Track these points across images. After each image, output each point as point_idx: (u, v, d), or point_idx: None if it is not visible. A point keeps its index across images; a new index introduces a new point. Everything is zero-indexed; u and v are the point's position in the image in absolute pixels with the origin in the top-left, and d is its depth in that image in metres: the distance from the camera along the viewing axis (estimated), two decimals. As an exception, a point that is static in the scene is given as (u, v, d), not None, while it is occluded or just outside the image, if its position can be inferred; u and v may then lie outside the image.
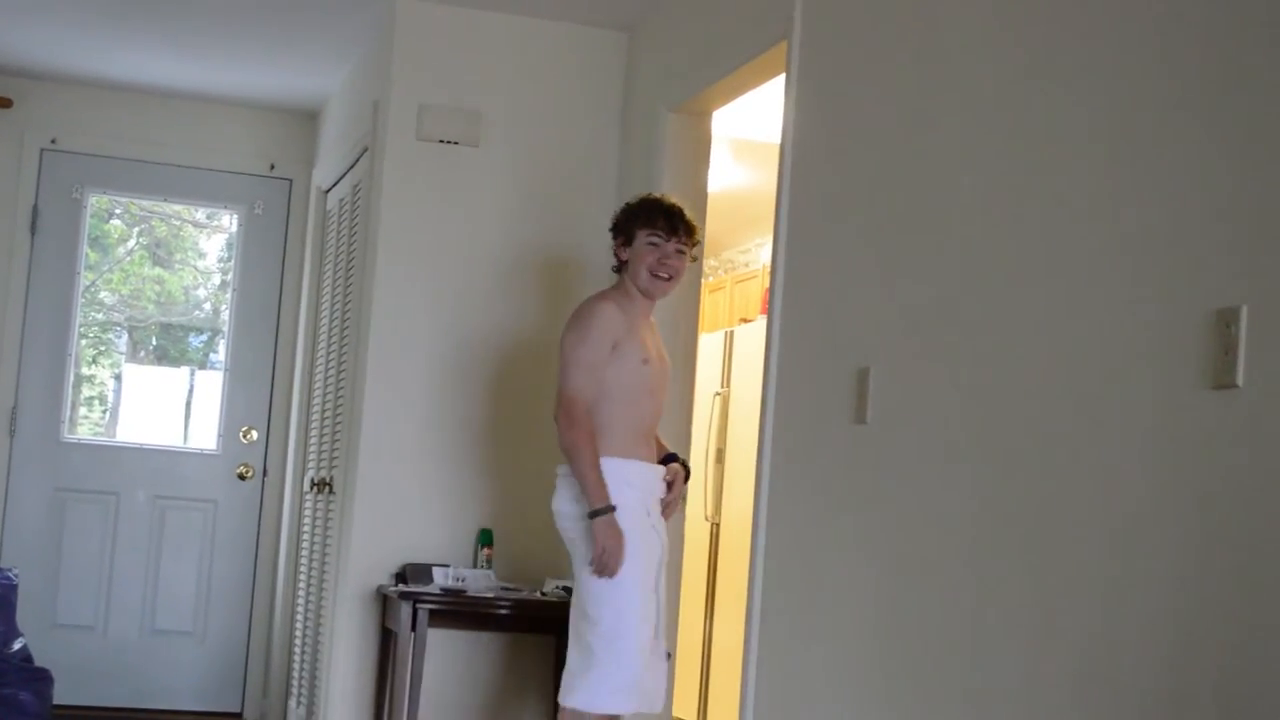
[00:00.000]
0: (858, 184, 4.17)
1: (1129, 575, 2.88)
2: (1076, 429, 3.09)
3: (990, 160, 3.52)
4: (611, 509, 4.64)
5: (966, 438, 3.49)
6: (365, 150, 6.40)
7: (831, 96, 4.39)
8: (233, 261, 8.06)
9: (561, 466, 4.82)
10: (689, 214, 4.91)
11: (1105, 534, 2.96)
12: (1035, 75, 3.38)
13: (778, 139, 4.66)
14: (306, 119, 8.00)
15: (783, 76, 4.71)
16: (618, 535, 4.63)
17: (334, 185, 7.31)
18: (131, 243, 8.35)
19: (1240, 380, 2.63)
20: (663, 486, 4.85)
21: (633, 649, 4.64)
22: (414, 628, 5.52)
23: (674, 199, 4.96)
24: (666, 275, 4.82)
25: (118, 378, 8.27)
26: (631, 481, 4.73)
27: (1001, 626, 3.28)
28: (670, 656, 4.79)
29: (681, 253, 4.84)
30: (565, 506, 4.80)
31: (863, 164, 4.15)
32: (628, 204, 4.97)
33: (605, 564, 4.62)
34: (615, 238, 4.93)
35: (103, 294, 8.22)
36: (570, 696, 4.66)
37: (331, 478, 6.56)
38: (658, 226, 4.82)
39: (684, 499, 5.09)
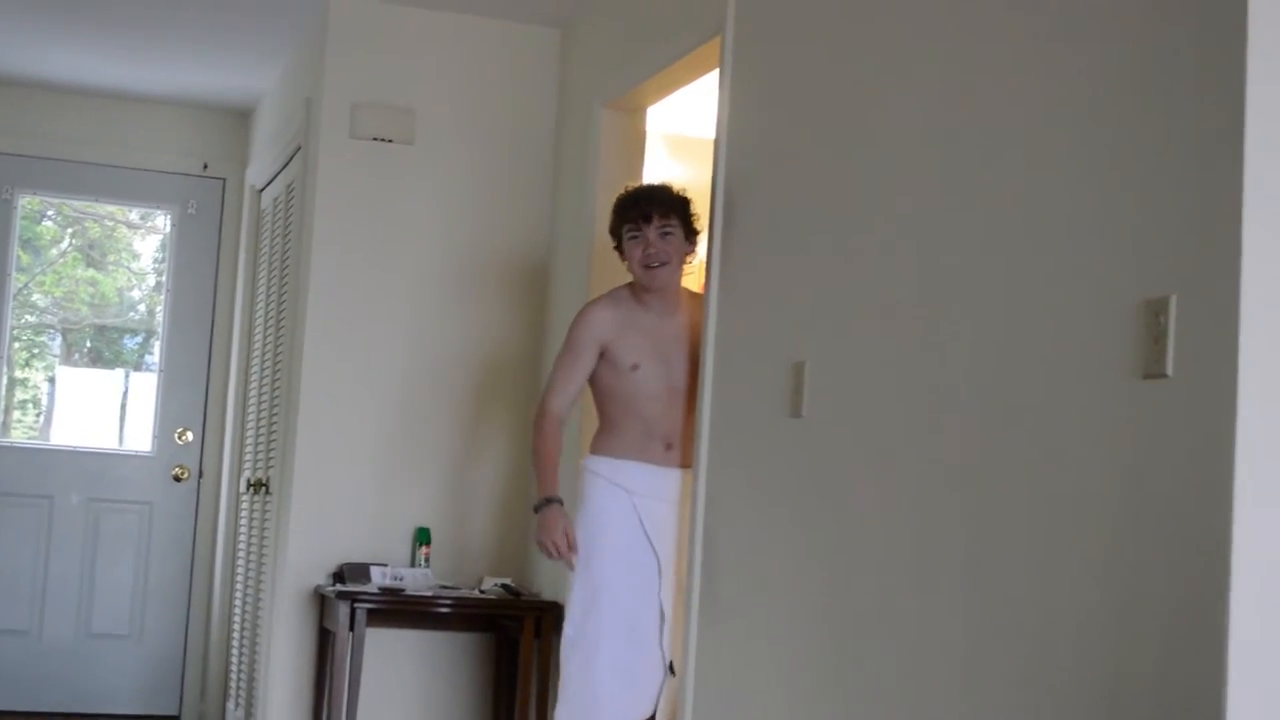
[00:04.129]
0: (793, 179, 4.18)
1: (1064, 562, 2.90)
2: (1010, 420, 3.10)
3: (923, 154, 3.53)
4: (548, 502, 4.66)
5: (901, 430, 3.50)
6: (299, 149, 6.37)
7: (766, 91, 4.39)
8: (166, 262, 8.00)
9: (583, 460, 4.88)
10: (667, 191, 4.79)
11: (1040, 522, 2.98)
12: (967, 69, 3.39)
13: (712, 135, 4.66)
14: (239, 118, 7.95)
15: (716, 72, 4.71)
16: (550, 528, 4.66)
17: (268, 184, 7.27)
18: (64, 244, 8.29)
19: (1170, 370, 2.64)
20: (682, 494, 4.73)
21: (590, 663, 4.61)
22: (352, 627, 5.50)
23: (653, 183, 4.90)
24: (660, 261, 4.70)
25: (51, 380, 8.20)
26: (623, 483, 4.70)
27: (938, 616, 3.29)
28: (673, 670, 4.71)
29: (668, 234, 4.71)
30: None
31: (798, 159, 4.16)
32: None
33: (546, 550, 4.69)
34: (615, 247, 4.85)
35: (35, 296, 8.15)
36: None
37: (268, 478, 6.53)
38: (629, 219, 4.75)
39: None
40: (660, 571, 4.67)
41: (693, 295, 4.94)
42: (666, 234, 4.72)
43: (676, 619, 4.66)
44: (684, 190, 4.82)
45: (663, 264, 4.71)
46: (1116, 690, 2.72)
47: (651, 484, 4.72)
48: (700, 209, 4.76)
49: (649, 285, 4.75)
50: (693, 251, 4.84)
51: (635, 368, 4.73)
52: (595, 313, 4.81)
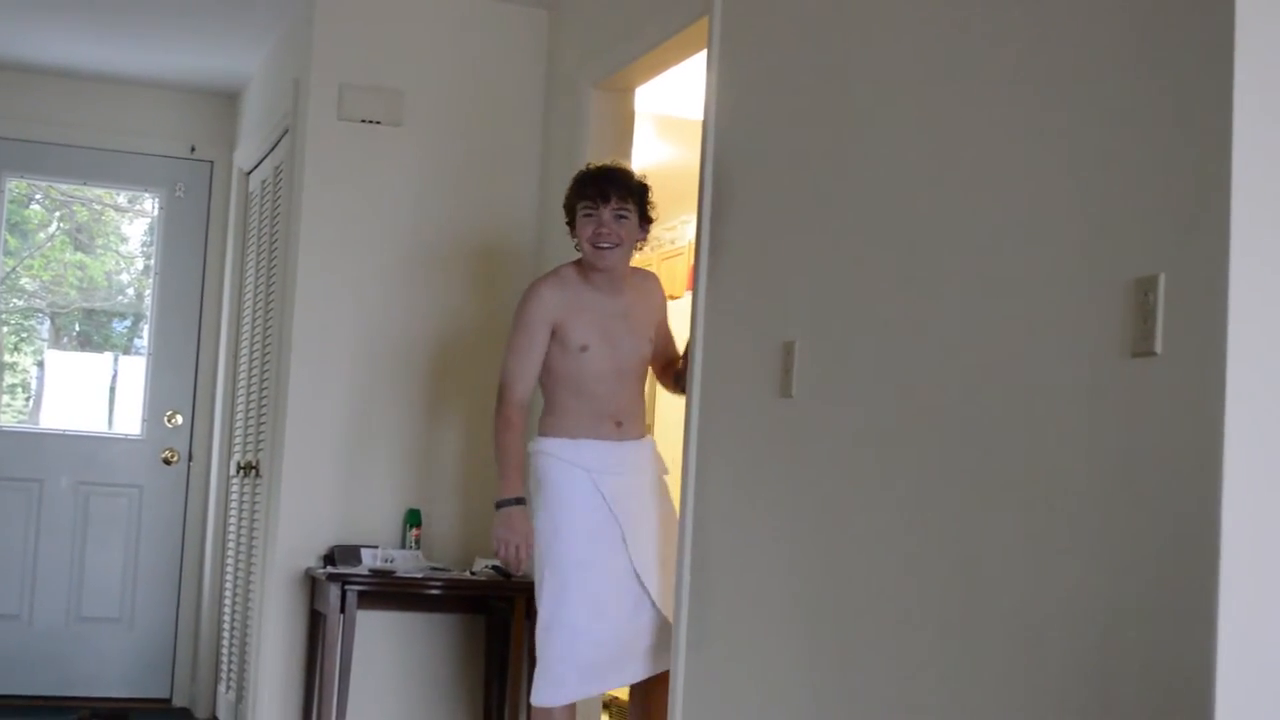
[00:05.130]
0: (781, 159, 4.18)
1: (1053, 541, 2.90)
2: (999, 399, 3.11)
3: (912, 134, 3.53)
4: (514, 501, 4.67)
5: (891, 409, 3.50)
6: (286, 131, 6.36)
7: (754, 71, 4.39)
8: (155, 245, 7.98)
9: (529, 443, 4.84)
10: (628, 175, 4.80)
11: (1029, 500, 2.98)
12: (957, 50, 3.39)
13: (701, 115, 4.65)
14: (227, 100, 7.94)
15: (705, 52, 4.70)
16: (512, 530, 4.67)
17: (255, 167, 7.26)
18: (52, 228, 8.27)
19: (1159, 348, 2.65)
20: (646, 461, 4.77)
21: (565, 641, 4.62)
22: (343, 609, 5.50)
23: (612, 163, 4.89)
24: (607, 244, 4.70)
25: (40, 364, 8.19)
26: (581, 462, 4.69)
27: (927, 596, 3.29)
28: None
29: (622, 217, 4.71)
30: (529, 481, 4.81)
31: (786, 139, 4.16)
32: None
33: (503, 556, 4.70)
34: (566, 221, 4.84)
35: (24, 280, 8.14)
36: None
37: (258, 461, 6.53)
38: (586, 196, 4.74)
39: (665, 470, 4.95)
40: (625, 540, 4.68)
41: (642, 274, 4.98)
42: (621, 217, 4.73)
43: (666, 586, 4.66)
44: (645, 177, 4.85)
45: (614, 245, 4.71)
46: (1105, 669, 2.72)
47: (607, 460, 4.72)
48: (687, 190, 4.76)
49: (595, 264, 4.74)
50: (644, 239, 4.88)
51: (584, 349, 4.72)
52: (543, 291, 4.78)
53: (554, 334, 4.74)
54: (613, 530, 4.68)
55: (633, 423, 4.80)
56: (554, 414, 4.78)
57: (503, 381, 4.78)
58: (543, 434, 4.80)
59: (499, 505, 4.71)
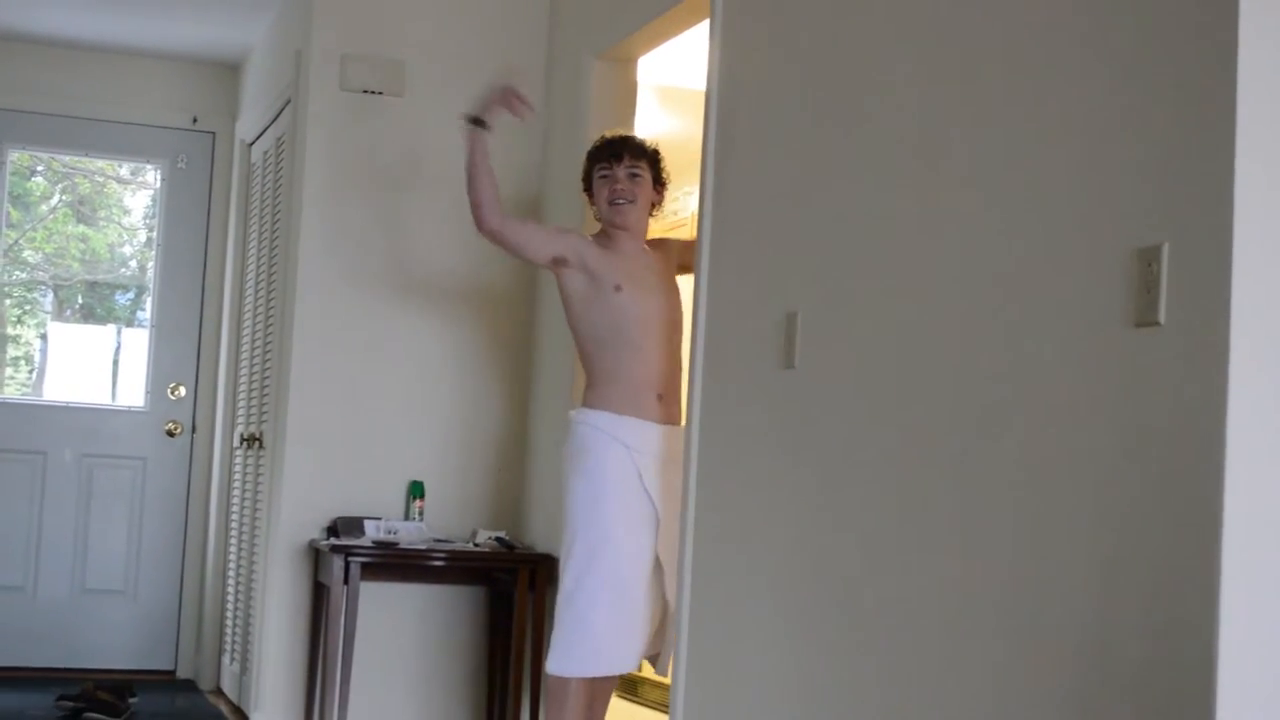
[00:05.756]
0: (784, 130, 4.16)
1: (1055, 512, 2.90)
2: (1002, 370, 3.10)
3: (916, 104, 3.52)
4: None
5: (894, 380, 3.50)
6: (288, 102, 6.35)
7: (757, 41, 4.37)
8: (157, 217, 7.97)
9: (571, 411, 4.89)
10: (639, 139, 4.99)
11: (1032, 470, 2.98)
12: (959, 19, 3.37)
13: (704, 86, 4.64)
14: (229, 71, 7.92)
15: (707, 22, 4.69)
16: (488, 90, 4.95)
17: (258, 138, 7.24)
18: (55, 200, 8.27)
19: (1162, 318, 2.64)
20: (677, 449, 4.76)
21: (588, 613, 4.62)
22: (346, 581, 5.51)
23: (623, 131, 5.09)
24: (624, 200, 4.88)
25: (43, 337, 8.19)
26: (622, 439, 4.69)
27: (929, 567, 3.29)
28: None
29: (636, 175, 4.91)
30: (565, 449, 4.83)
31: (789, 109, 4.14)
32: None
33: (501, 100, 5.00)
34: (585, 190, 5.04)
35: (26, 253, 8.13)
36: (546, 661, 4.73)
37: (261, 432, 6.53)
38: (601, 159, 4.94)
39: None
40: (658, 525, 4.69)
41: (662, 242, 5.09)
42: (635, 175, 4.91)
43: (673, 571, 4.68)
44: (657, 145, 5.03)
45: (630, 201, 4.89)
46: (1107, 640, 2.72)
47: (647, 440, 4.73)
48: (691, 160, 4.77)
49: (613, 221, 4.90)
50: (659, 202, 5.02)
51: (619, 289, 4.80)
52: (575, 233, 5.02)
53: (586, 275, 4.85)
54: (647, 511, 4.69)
55: (673, 398, 4.83)
56: (597, 385, 4.81)
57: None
58: (587, 405, 4.82)
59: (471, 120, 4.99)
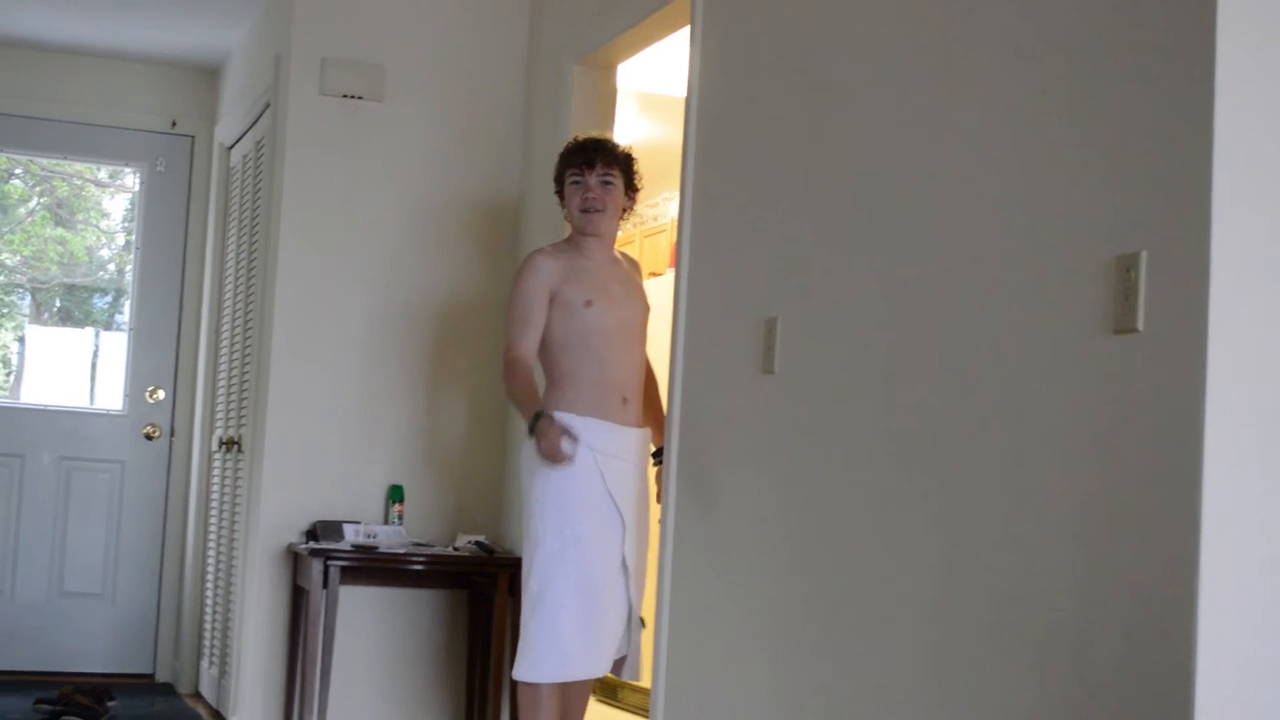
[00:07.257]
0: (764, 136, 4.18)
1: (1035, 515, 2.91)
2: (982, 374, 3.12)
3: (895, 112, 3.54)
4: (544, 414, 4.58)
5: (873, 385, 3.52)
6: (268, 106, 6.35)
7: (737, 49, 4.39)
8: (136, 221, 7.96)
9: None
10: (613, 144, 4.92)
11: (1011, 476, 3.00)
12: (939, 28, 3.39)
13: (683, 92, 4.66)
14: (208, 74, 7.92)
15: (687, 29, 4.70)
16: (549, 434, 4.54)
17: (237, 142, 7.24)
18: (33, 203, 8.25)
19: (1140, 324, 2.66)
20: (642, 453, 4.74)
21: (556, 617, 4.56)
22: (325, 585, 5.51)
23: (598, 134, 5.01)
24: (596, 208, 4.81)
25: (21, 340, 8.18)
26: (586, 440, 4.62)
27: (911, 570, 3.31)
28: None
29: (608, 183, 4.84)
30: (524, 450, 4.75)
31: (768, 116, 4.16)
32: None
33: (551, 458, 4.56)
34: (556, 192, 4.97)
35: (4, 255, 8.12)
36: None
37: (240, 436, 6.52)
38: (573, 164, 4.87)
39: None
40: (624, 527, 4.67)
41: (630, 259, 5.08)
42: (607, 183, 4.85)
43: (649, 575, 4.67)
44: (630, 150, 4.96)
45: (601, 210, 4.83)
46: (1086, 641, 2.74)
47: (612, 443, 4.70)
48: (670, 166, 4.78)
49: (584, 229, 4.84)
50: (630, 208, 4.97)
51: (588, 304, 4.75)
52: (540, 260, 4.85)
53: (554, 300, 4.76)
54: (611, 515, 4.66)
55: (636, 401, 4.80)
56: (560, 387, 4.76)
57: (507, 354, 4.78)
58: (549, 407, 4.76)
59: (530, 430, 4.63)
